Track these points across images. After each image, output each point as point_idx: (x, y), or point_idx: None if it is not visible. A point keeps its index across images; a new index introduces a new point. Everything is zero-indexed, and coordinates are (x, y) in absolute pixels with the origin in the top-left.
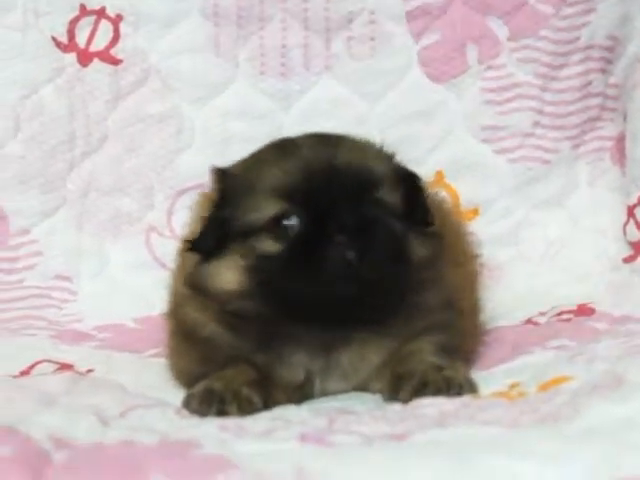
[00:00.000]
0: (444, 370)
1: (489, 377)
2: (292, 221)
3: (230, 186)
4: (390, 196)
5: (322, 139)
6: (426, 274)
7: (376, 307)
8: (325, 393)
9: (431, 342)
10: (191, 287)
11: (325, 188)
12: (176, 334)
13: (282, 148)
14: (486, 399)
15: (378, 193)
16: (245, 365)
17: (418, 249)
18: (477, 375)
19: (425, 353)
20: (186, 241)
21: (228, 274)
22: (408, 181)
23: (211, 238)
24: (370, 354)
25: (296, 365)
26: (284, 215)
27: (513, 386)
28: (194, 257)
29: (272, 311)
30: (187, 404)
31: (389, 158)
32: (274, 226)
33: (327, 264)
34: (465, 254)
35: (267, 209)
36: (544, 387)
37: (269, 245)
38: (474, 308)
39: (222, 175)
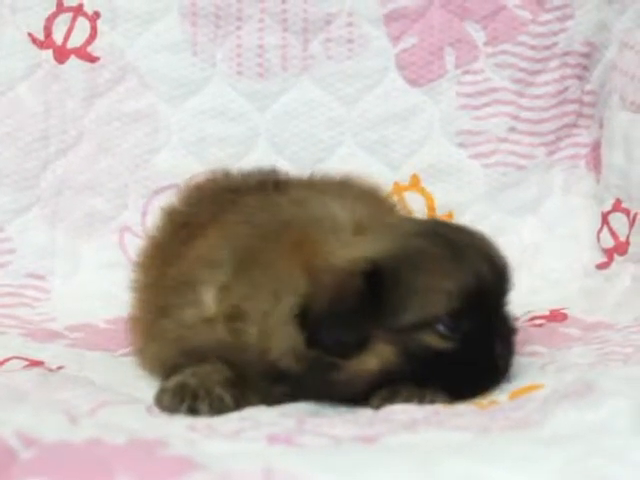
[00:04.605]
0: None
1: None
2: (463, 321)
3: (384, 281)
4: None
5: (471, 234)
6: None
7: None
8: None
9: None
10: (305, 361)
11: (493, 289)
12: (158, 324)
13: (444, 243)
14: (457, 407)
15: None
16: (220, 364)
17: None
18: None
19: None
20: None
21: (370, 361)
22: None
23: (351, 337)
24: None
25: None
26: (456, 314)
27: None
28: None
29: None
30: (159, 398)
31: None
32: (442, 323)
33: (490, 371)
34: None
35: (438, 306)
36: (515, 395)
37: (435, 341)
38: None
39: (373, 274)
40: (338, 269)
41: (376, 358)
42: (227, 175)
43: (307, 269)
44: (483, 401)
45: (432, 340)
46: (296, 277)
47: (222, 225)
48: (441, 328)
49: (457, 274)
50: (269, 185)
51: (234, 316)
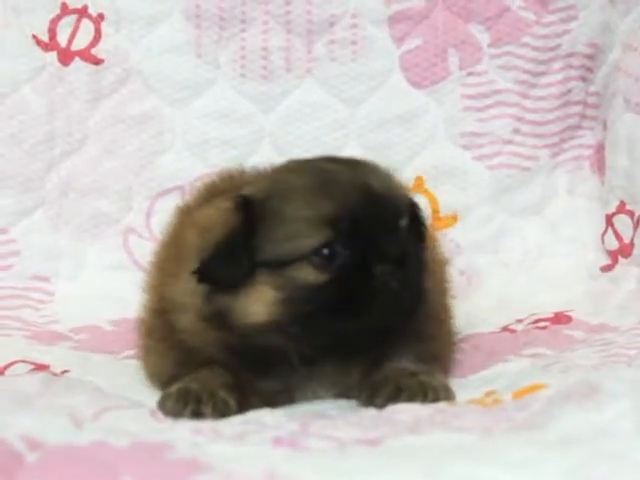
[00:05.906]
0: (419, 376)
1: (465, 384)
2: (336, 250)
3: (256, 214)
4: (406, 223)
5: (350, 165)
6: None
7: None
8: (303, 400)
9: (409, 351)
10: (207, 320)
11: (368, 217)
12: (154, 334)
13: (313, 174)
14: (461, 406)
15: (403, 221)
16: (221, 369)
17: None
18: (453, 382)
19: (402, 360)
20: (197, 269)
21: (257, 306)
22: (411, 207)
23: (235, 268)
24: (352, 367)
25: (277, 378)
26: (328, 244)
27: (488, 394)
28: (200, 285)
29: (303, 342)
30: (162, 404)
31: (404, 185)
32: (316, 255)
33: (375, 295)
34: (434, 260)
35: (309, 238)
36: (519, 395)
37: (311, 275)
38: (445, 315)
39: (245, 202)
40: (214, 209)
41: (262, 305)
42: (242, 173)
43: (196, 226)
44: (486, 400)
45: (308, 274)
46: (193, 237)
47: None
48: (315, 260)
49: (322, 204)
50: None
51: (167, 308)
